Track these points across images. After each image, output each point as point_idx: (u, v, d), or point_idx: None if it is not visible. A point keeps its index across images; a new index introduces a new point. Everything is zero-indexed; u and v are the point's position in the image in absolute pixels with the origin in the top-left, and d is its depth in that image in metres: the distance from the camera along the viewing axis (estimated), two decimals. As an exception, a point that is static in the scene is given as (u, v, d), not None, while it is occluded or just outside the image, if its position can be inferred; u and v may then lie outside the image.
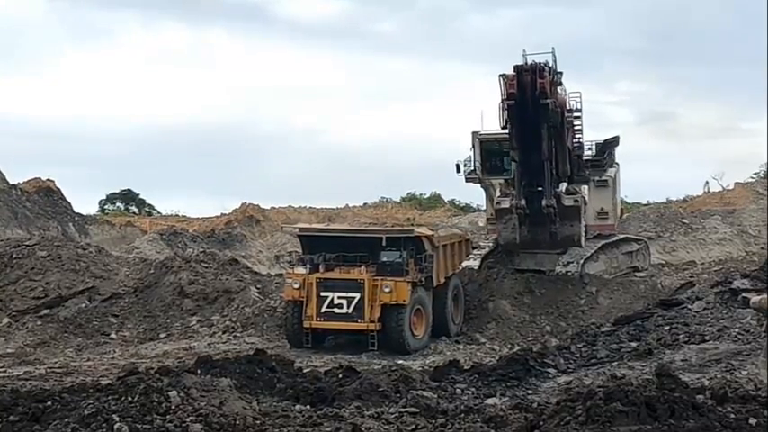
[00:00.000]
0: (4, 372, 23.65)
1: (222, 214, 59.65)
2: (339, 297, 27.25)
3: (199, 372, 16.15)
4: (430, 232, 31.35)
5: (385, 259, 27.98)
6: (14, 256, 33.13)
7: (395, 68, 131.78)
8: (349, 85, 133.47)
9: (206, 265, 33.68)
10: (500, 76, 27.40)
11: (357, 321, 27.23)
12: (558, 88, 28.49)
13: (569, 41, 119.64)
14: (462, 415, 13.81)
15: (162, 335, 29.78)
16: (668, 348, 22.13)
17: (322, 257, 28.25)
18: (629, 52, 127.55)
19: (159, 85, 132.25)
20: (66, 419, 12.08)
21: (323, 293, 27.35)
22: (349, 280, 27.43)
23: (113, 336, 29.67)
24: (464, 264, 32.49)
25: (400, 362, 22.63)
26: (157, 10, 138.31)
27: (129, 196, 73.23)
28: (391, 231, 31.59)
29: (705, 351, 21.38)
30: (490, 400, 17.00)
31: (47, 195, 54.83)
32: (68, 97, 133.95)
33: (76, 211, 56.79)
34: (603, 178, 35.68)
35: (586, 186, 33.83)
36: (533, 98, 27.09)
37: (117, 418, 11.76)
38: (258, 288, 32.66)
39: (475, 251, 34.21)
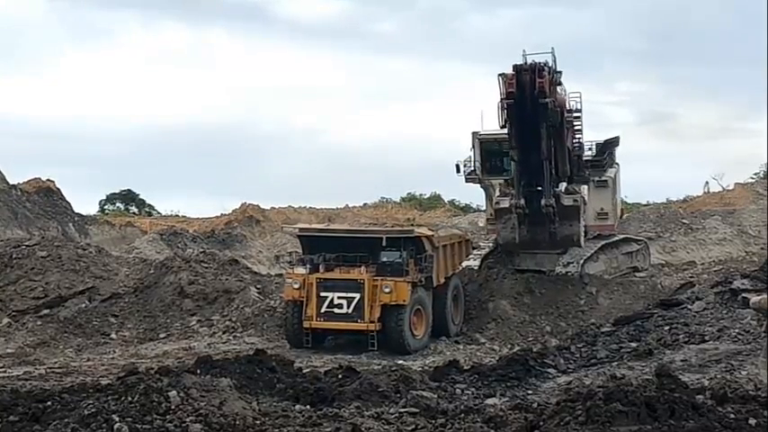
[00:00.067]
0: (4, 372, 23.65)
1: (222, 214, 59.66)
2: (339, 297, 27.25)
3: (199, 372, 16.14)
4: (430, 232, 31.34)
5: (385, 259, 27.98)
6: (14, 256, 33.13)
7: (395, 68, 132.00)
8: (349, 85, 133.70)
9: (206, 265, 33.68)
10: (499, 75, 27.40)
11: (357, 321, 27.23)
12: (558, 88, 28.48)
13: (569, 41, 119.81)
14: (462, 415, 13.80)
15: (162, 335, 29.79)
16: (668, 348, 22.12)
17: (322, 258, 28.26)
18: (629, 52, 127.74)
19: (159, 85, 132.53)
20: (66, 420, 12.08)
21: (323, 294, 27.35)
22: (349, 280, 27.43)
23: (113, 336, 29.67)
24: (464, 264, 32.49)
25: (400, 362, 22.62)
26: (157, 10, 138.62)
27: (129, 196, 73.25)
28: (391, 231, 31.58)
29: (705, 351, 21.37)
30: (490, 401, 17.00)
31: (47, 195, 54.83)
32: (68, 97, 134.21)
33: (76, 211, 56.83)
34: (603, 178, 35.69)
35: (586, 186, 33.85)
36: (532, 97, 27.09)
37: (117, 419, 11.76)
38: (258, 288, 32.66)
39: (475, 251, 34.22)
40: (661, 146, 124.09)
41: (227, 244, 52.32)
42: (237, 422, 12.31)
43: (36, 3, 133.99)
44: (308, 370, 20.22)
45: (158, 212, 71.28)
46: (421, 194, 74.23)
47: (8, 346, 27.63)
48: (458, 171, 34.12)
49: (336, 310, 27.27)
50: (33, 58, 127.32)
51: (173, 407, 12.29)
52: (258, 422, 12.73)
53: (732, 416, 12.01)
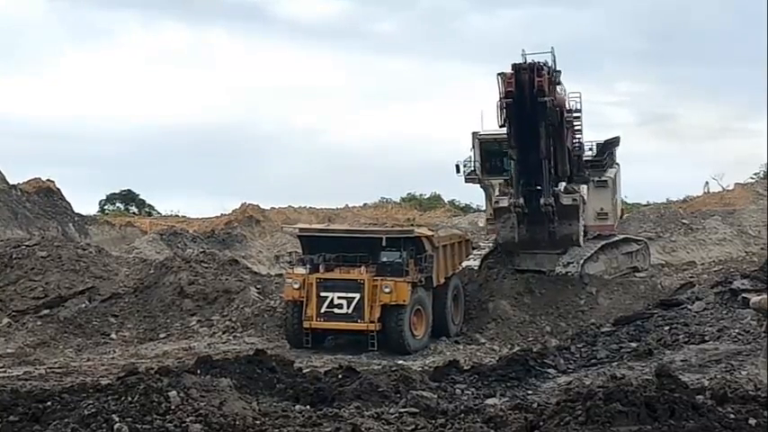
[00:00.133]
0: (4, 372, 23.65)
1: (222, 214, 59.63)
2: (339, 297, 27.25)
3: (199, 372, 16.14)
4: (430, 232, 31.34)
5: (385, 259, 27.99)
6: (14, 256, 33.12)
7: (395, 68, 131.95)
8: (349, 85, 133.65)
9: (206, 265, 33.68)
10: (498, 74, 27.44)
11: (357, 322, 27.23)
12: (557, 87, 28.53)
13: (569, 41, 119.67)
14: (462, 415, 13.79)
15: (162, 335, 29.79)
16: (668, 349, 22.12)
17: (322, 258, 28.25)
18: (629, 52, 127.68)
19: (159, 85, 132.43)
20: (66, 420, 12.07)
21: (323, 294, 27.35)
22: (349, 280, 27.43)
23: (113, 336, 29.67)
24: (464, 264, 32.49)
25: (400, 362, 22.61)
26: (157, 10, 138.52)
27: (129, 196, 73.22)
28: (391, 232, 31.59)
29: (705, 351, 21.37)
30: (490, 401, 17.00)
31: (47, 195, 54.80)
32: (68, 97, 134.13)
33: (76, 211, 56.78)
34: (603, 178, 35.68)
35: (586, 186, 33.85)
36: (531, 96, 27.12)
37: (117, 419, 11.76)
38: (258, 288, 32.65)
39: (475, 251, 34.22)
40: (661, 146, 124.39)
41: (227, 244, 52.30)
42: (237, 422, 12.31)
43: (36, 3, 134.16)
44: (308, 370, 20.22)
45: (158, 212, 71.29)
46: (421, 195, 74.25)
47: (8, 346, 27.63)
48: (458, 171, 34.16)
49: (336, 311, 27.27)
50: (33, 58, 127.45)
51: (173, 407, 12.28)
52: (258, 422, 12.72)
53: (732, 416, 12.01)
